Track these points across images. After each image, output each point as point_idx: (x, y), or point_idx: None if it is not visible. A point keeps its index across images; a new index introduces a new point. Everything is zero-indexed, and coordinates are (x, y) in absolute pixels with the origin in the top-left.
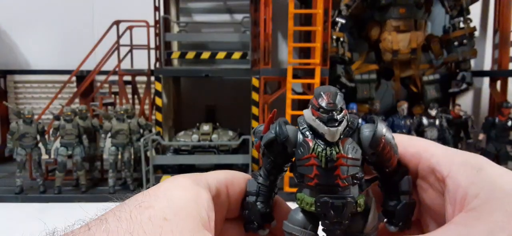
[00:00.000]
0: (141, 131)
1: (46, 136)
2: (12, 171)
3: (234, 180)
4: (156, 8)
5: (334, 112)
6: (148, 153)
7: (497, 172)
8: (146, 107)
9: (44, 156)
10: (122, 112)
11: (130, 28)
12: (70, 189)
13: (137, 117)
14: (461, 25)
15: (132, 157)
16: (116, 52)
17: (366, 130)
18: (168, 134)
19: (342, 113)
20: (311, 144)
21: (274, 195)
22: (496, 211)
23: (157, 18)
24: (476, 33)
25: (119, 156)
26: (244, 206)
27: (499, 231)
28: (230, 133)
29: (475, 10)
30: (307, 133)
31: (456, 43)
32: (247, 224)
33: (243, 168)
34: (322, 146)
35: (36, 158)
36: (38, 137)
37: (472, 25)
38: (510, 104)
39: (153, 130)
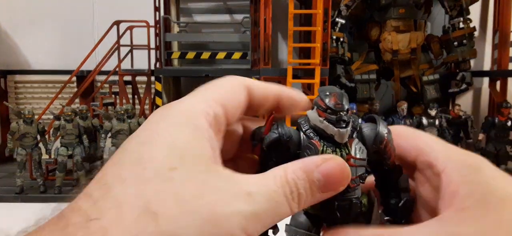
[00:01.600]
0: None
1: (47, 136)
2: (12, 171)
3: (230, 95)
4: (156, 9)
5: (342, 113)
6: None
7: (494, 175)
8: (147, 107)
9: (45, 156)
10: (122, 112)
11: (130, 28)
12: (70, 189)
13: (137, 117)
14: (461, 25)
15: None
16: (116, 52)
17: (368, 130)
18: None
19: (348, 114)
20: (318, 146)
21: None
22: (488, 215)
23: (157, 18)
24: (476, 33)
25: None
26: None
27: (488, 235)
28: None
29: (474, 11)
30: (311, 134)
31: (455, 43)
32: None
33: None
34: (332, 148)
35: (36, 158)
36: (39, 137)
37: (471, 25)
38: (509, 104)
39: None
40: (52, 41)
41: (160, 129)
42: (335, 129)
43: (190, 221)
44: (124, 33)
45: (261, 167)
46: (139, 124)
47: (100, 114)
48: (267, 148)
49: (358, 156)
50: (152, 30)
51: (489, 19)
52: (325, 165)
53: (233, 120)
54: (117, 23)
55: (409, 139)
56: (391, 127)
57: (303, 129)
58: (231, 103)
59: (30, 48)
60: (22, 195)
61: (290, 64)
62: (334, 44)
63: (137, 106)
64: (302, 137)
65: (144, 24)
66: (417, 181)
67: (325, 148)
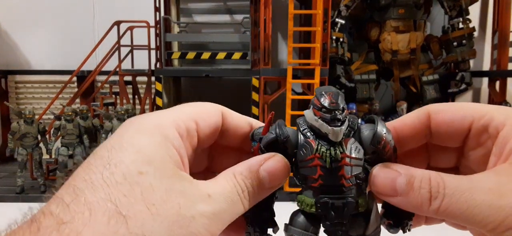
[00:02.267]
0: None
1: (47, 136)
2: (13, 171)
3: (204, 114)
4: (157, 9)
5: (336, 112)
6: None
7: None
8: (147, 107)
9: (45, 156)
10: (123, 112)
11: (130, 28)
12: None
13: None
14: (460, 25)
15: None
16: (116, 53)
17: (366, 130)
18: None
19: (344, 113)
20: (314, 144)
21: (275, 199)
22: None
23: (157, 18)
24: (475, 34)
25: None
26: (244, 215)
27: None
28: None
29: (474, 11)
30: (308, 134)
31: (455, 44)
32: (248, 231)
33: None
34: (326, 146)
35: (37, 158)
36: (39, 137)
37: (471, 25)
38: (509, 104)
39: None
40: (53, 42)
41: (129, 136)
42: (329, 127)
43: (158, 223)
44: (124, 33)
45: None
46: None
47: (100, 114)
48: (265, 148)
49: (353, 155)
50: (152, 30)
51: (489, 19)
52: (268, 163)
53: (206, 137)
54: (118, 23)
55: (457, 111)
56: (439, 104)
57: (301, 129)
58: (204, 122)
59: (31, 49)
60: (22, 194)
61: (290, 64)
62: (334, 44)
63: (138, 106)
64: (299, 137)
65: (145, 24)
66: (468, 149)
67: (319, 147)
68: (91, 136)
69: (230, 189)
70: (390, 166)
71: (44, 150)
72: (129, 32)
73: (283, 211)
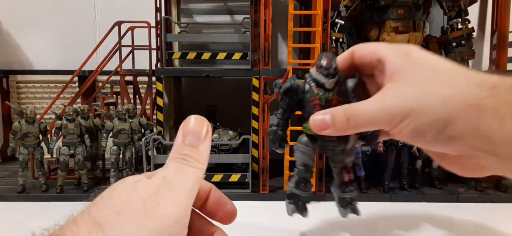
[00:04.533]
0: (143, 130)
1: (49, 136)
2: (15, 170)
3: (202, 183)
4: (157, 9)
5: (330, 70)
6: (149, 153)
7: (418, 54)
8: (148, 107)
9: (47, 156)
10: (124, 111)
11: (131, 29)
12: (72, 188)
13: (138, 116)
14: (459, 26)
15: (134, 156)
16: (117, 53)
17: (350, 82)
18: (169, 133)
19: (336, 71)
20: (315, 90)
21: (288, 126)
22: (410, 78)
23: (158, 19)
24: (474, 34)
25: (121, 156)
26: (268, 134)
27: (407, 88)
28: (231, 132)
29: (473, 11)
30: (312, 84)
31: (454, 44)
32: (271, 145)
33: (243, 167)
34: (323, 92)
35: (38, 157)
36: (41, 136)
37: (470, 26)
38: None
39: (154, 129)
40: (54, 42)
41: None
42: (325, 79)
43: (128, 224)
44: (125, 33)
45: (279, 106)
46: (140, 124)
47: (101, 113)
48: (283, 93)
49: (340, 98)
50: (153, 30)
51: (488, 20)
52: (188, 124)
53: (198, 201)
54: (119, 23)
55: (366, 47)
56: (358, 45)
57: (307, 80)
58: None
59: (32, 49)
60: (24, 194)
61: (290, 65)
62: (334, 45)
63: (138, 106)
64: (306, 86)
65: (145, 24)
66: (376, 75)
67: (319, 92)
68: (92, 136)
69: (178, 165)
70: (319, 113)
71: (45, 149)
72: (130, 32)
73: (282, 210)
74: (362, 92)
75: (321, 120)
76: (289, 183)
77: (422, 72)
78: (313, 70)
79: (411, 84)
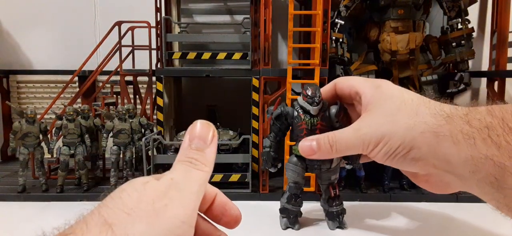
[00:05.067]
0: (143, 130)
1: (49, 136)
2: (15, 170)
3: (208, 187)
4: (158, 9)
5: (315, 98)
6: (150, 152)
7: (388, 87)
8: (148, 106)
9: (47, 155)
10: (124, 111)
11: (131, 29)
12: (72, 188)
13: (138, 116)
14: (459, 26)
15: (134, 156)
16: (117, 53)
17: (333, 109)
18: (169, 133)
19: (320, 99)
20: (302, 116)
21: (279, 148)
22: (379, 109)
23: (158, 19)
24: (474, 34)
25: (121, 155)
26: (262, 155)
27: (378, 118)
28: (231, 132)
29: (473, 11)
30: (300, 110)
31: (454, 44)
32: (264, 165)
33: (243, 167)
34: (309, 117)
35: (38, 157)
36: (41, 136)
37: (470, 26)
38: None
39: (155, 129)
40: (54, 42)
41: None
42: (311, 107)
43: (137, 224)
44: (125, 33)
45: (270, 130)
46: (140, 124)
47: (101, 113)
48: (275, 118)
49: (324, 123)
50: (153, 30)
51: (488, 20)
52: (194, 129)
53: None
54: (119, 23)
55: (346, 81)
56: (339, 78)
57: (295, 107)
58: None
59: (32, 49)
60: (24, 193)
61: (290, 65)
62: (334, 45)
63: (138, 106)
64: (294, 112)
65: (145, 24)
66: (355, 105)
67: (305, 118)
68: (93, 136)
69: (185, 167)
70: (307, 140)
71: (45, 149)
72: (130, 32)
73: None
74: (345, 117)
75: (308, 146)
76: (282, 199)
77: (390, 103)
78: (300, 99)
79: (382, 114)
